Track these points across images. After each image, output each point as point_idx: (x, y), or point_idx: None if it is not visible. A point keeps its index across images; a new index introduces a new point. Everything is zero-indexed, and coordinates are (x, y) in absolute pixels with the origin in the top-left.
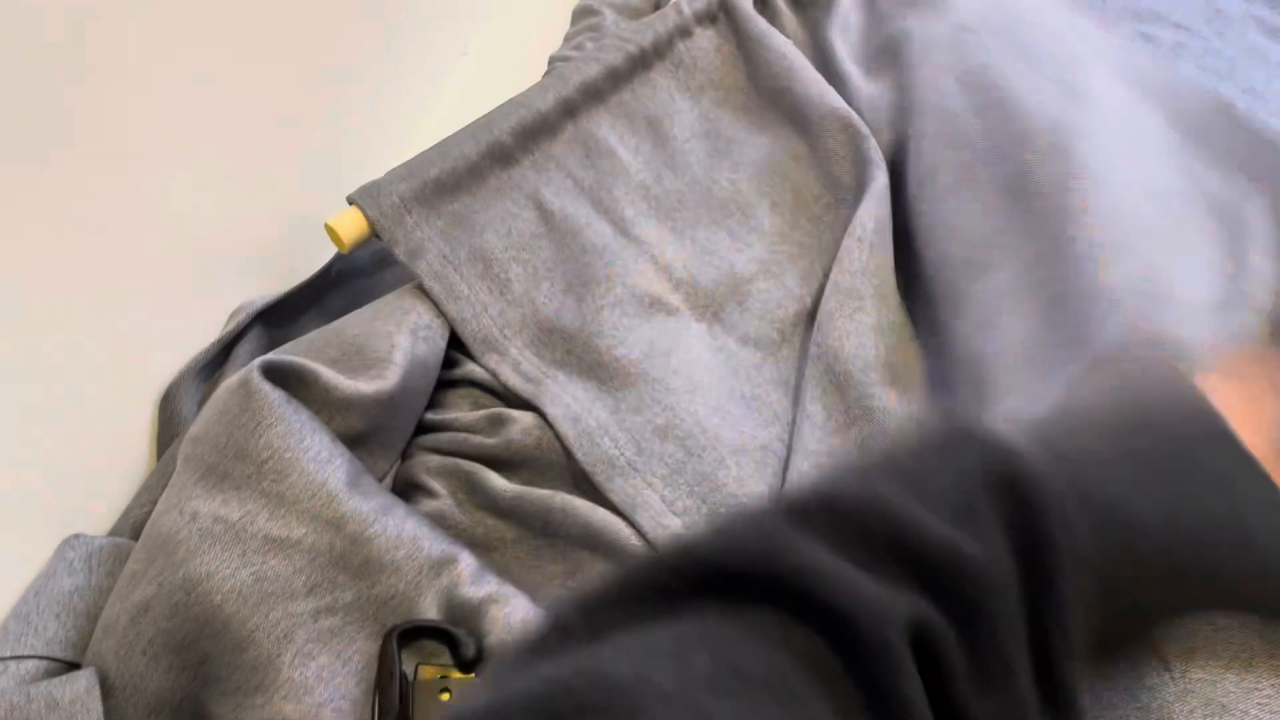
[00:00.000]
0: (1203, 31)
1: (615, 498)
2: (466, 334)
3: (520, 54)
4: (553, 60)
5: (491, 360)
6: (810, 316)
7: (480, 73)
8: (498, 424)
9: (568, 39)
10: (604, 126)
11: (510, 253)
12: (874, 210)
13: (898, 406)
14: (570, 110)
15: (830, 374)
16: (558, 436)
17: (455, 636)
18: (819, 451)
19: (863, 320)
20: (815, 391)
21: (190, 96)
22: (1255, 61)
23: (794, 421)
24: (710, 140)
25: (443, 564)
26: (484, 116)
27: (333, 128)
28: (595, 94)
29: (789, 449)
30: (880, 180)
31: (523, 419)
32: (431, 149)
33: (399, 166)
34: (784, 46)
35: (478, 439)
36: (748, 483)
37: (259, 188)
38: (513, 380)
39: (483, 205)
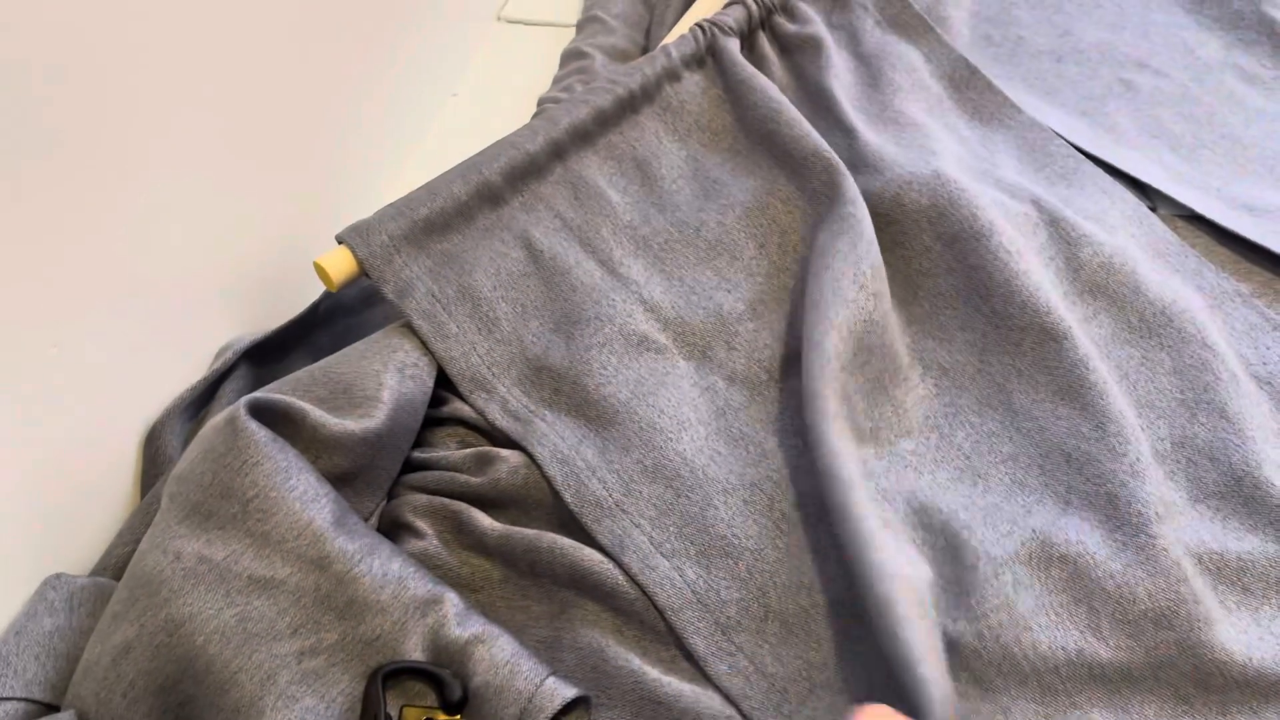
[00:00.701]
0: (1181, 78)
1: (603, 539)
2: (455, 372)
3: (508, 95)
4: (542, 101)
5: (479, 399)
6: (797, 358)
7: (469, 113)
8: (485, 463)
9: (556, 81)
10: (592, 168)
11: (499, 291)
12: (869, 255)
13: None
14: (559, 151)
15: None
16: (545, 477)
17: (441, 678)
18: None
19: (869, 373)
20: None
21: (174, 134)
22: (1233, 108)
23: (790, 463)
24: (698, 182)
25: (429, 604)
26: (473, 157)
27: (321, 165)
28: (584, 136)
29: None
30: (865, 221)
31: (510, 458)
32: (421, 189)
33: (388, 206)
34: (770, 89)
35: (464, 478)
36: (736, 523)
37: (246, 225)
38: (500, 420)
39: (471, 244)
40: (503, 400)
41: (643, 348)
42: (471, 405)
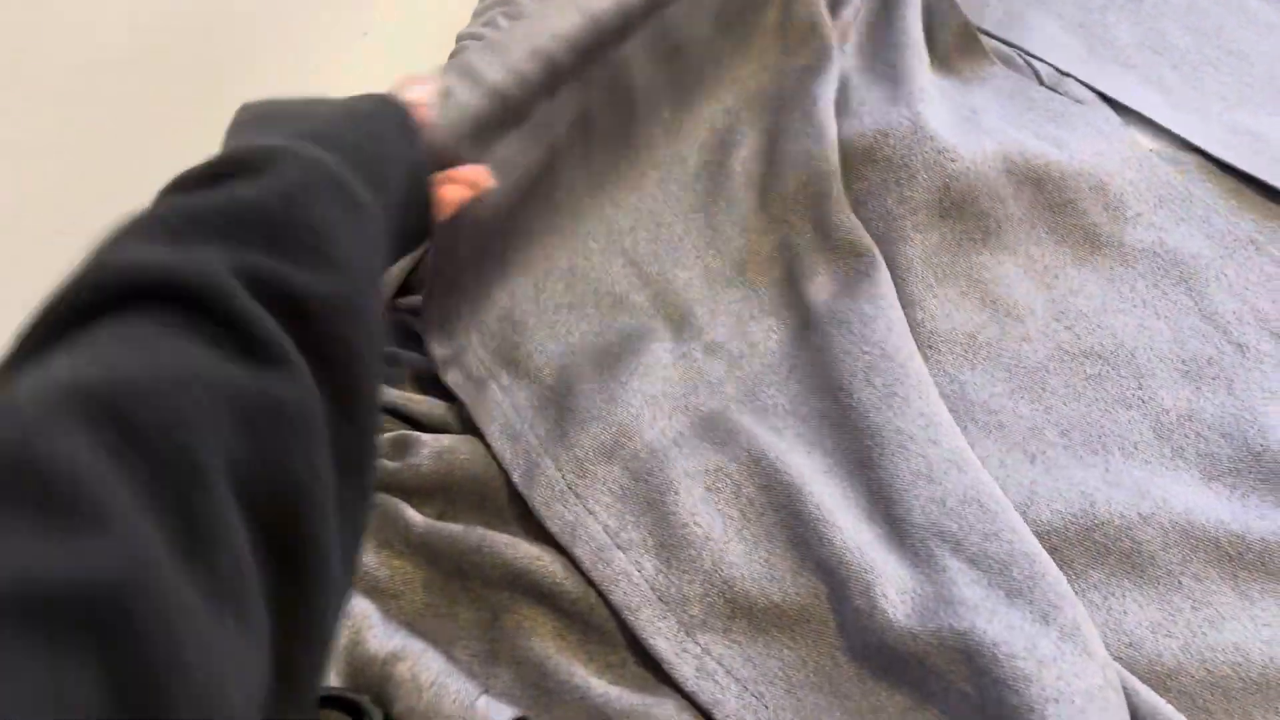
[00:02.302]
0: None
1: (553, 526)
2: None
3: (424, 33)
4: (461, 38)
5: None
6: (781, 330)
7: (382, 54)
8: (403, 448)
9: (477, 15)
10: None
11: None
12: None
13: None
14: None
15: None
16: (493, 454)
17: (359, 705)
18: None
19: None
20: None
21: (49, 74)
22: (1244, 22)
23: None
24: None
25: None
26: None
27: (215, 117)
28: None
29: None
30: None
31: (432, 442)
32: None
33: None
34: None
35: (381, 462)
36: (699, 511)
37: (134, 174)
38: (454, 379)
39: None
40: (460, 351)
41: (618, 309)
42: (430, 355)
